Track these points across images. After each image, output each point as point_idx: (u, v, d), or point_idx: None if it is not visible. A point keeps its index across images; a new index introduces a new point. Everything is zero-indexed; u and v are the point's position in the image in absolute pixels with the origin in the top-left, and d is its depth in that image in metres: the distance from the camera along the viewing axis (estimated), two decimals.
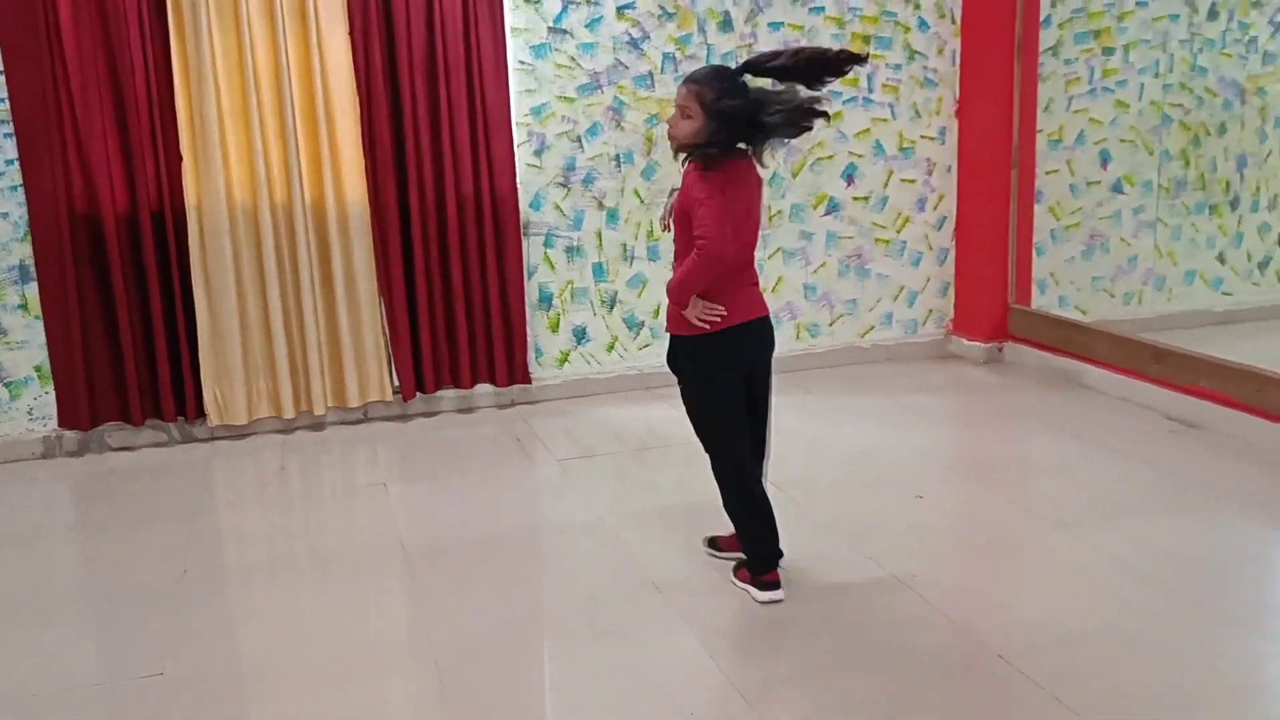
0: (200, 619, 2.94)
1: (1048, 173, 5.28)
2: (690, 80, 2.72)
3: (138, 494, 3.94)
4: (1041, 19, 5.08)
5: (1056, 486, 3.72)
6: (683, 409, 2.91)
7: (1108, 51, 5.25)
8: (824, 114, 2.70)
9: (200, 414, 4.40)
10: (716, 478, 2.91)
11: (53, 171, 4.08)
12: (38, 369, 4.28)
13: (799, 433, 4.14)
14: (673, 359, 2.89)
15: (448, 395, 4.71)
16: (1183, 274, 5.48)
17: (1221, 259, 5.53)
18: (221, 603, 3.05)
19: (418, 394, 4.63)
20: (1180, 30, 5.27)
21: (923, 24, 5.10)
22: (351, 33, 4.25)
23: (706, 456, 2.91)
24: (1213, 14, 5.25)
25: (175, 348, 4.33)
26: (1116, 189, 5.40)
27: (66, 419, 4.30)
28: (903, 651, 2.63)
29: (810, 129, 2.76)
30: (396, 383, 4.58)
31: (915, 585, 2.94)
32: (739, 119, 2.65)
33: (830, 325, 5.17)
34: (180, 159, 4.19)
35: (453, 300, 4.56)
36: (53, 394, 4.28)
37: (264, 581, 3.21)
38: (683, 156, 2.78)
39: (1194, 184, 5.47)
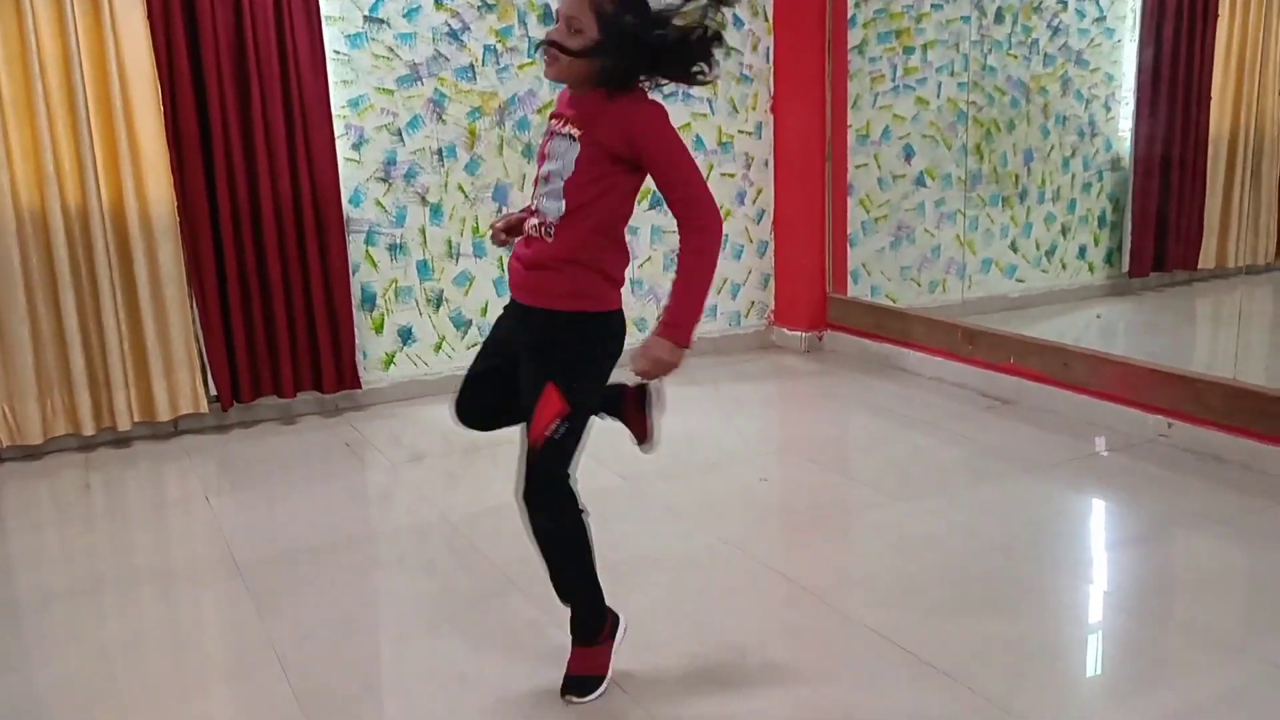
0: (34, 643, 2.66)
1: (857, 167, 5.50)
2: None
3: None
4: (849, 18, 5.28)
5: (885, 462, 3.86)
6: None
7: (908, 50, 5.51)
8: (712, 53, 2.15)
9: None
10: (553, 487, 2.20)
11: None
12: None
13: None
14: (550, 332, 2.18)
15: (268, 404, 4.46)
16: (980, 262, 5.81)
17: (1014, 247, 5.90)
18: (33, 628, 2.77)
19: (235, 404, 4.35)
20: (972, 31, 5.59)
21: (738, 21, 5.21)
22: (150, 14, 3.95)
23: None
24: (999, 17, 5.60)
25: None
26: (920, 182, 5.68)
27: None
28: (763, 619, 2.65)
29: (703, 75, 2.17)
30: (213, 392, 4.30)
31: (759, 557, 2.98)
32: (644, 45, 2.04)
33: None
34: None
35: (272, 303, 4.31)
36: None
37: (82, 601, 2.93)
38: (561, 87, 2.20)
39: (988, 177, 5.81)
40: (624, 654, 2.42)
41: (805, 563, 3.05)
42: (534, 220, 2.16)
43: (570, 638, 2.35)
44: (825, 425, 4.46)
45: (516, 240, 2.28)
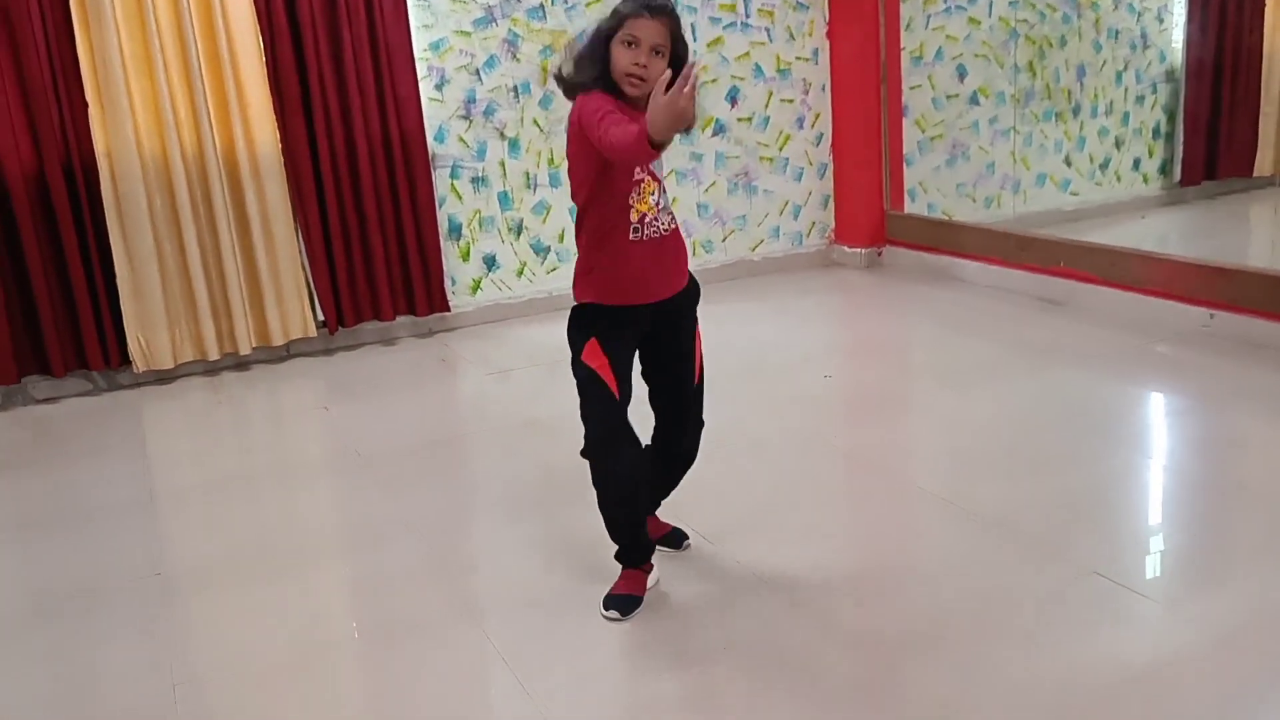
0: (177, 525, 3.11)
1: (912, 88, 5.70)
2: (666, 13, 2.26)
3: (78, 434, 4.02)
4: None
5: (940, 360, 4.16)
6: None
7: None
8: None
9: (124, 361, 4.46)
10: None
11: None
12: None
13: (706, 338, 4.47)
14: (695, 301, 2.55)
15: (369, 328, 4.87)
16: (1035, 177, 6.00)
17: (1068, 162, 6.07)
18: (200, 510, 3.22)
19: (340, 328, 4.77)
20: None
21: None
22: None
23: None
24: None
25: (95, 297, 4.36)
26: (973, 101, 5.87)
27: None
28: (836, 490, 2.99)
29: None
30: (321, 317, 4.72)
31: (823, 438, 3.31)
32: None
33: (723, 241, 5.50)
34: (85, 109, 4.20)
35: (368, 235, 4.70)
36: None
37: (236, 489, 3.37)
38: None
39: (1041, 94, 5.98)
40: (708, 513, 2.78)
41: (863, 441, 3.37)
42: (664, 218, 2.36)
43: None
44: (884, 331, 4.76)
45: (637, 246, 2.35)
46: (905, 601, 2.43)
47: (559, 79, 2.36)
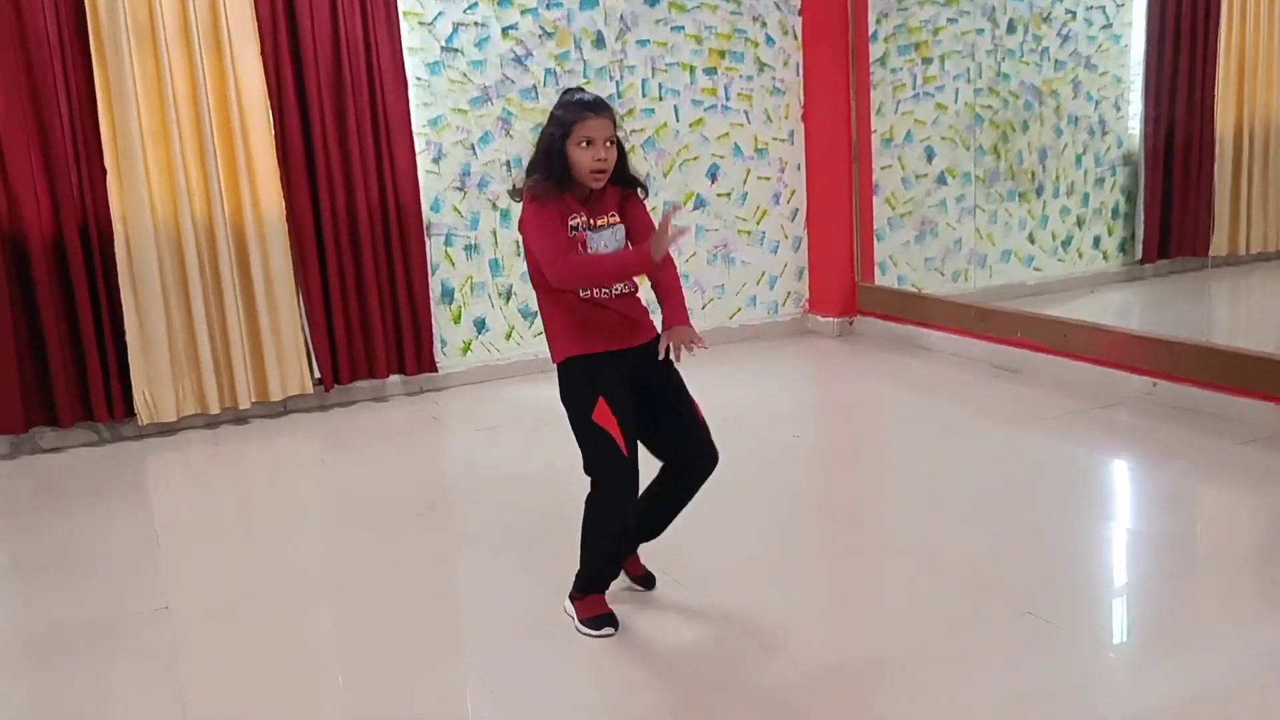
0: (189, 565, 3.32)
1: (883, 168, 6.05)
2: (608, 107, 2.59)
3: (84, 482, 4.22)
4: (870, 34, 5.84)
5: (900, 420, 4.43)
6: None
7: (926, 61, 6.06)
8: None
9: (129, 414, 4.68)
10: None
11: None
12: None
13: None
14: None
15: (363, 385, 5.11)
16: (1000, 253, 6.33)
17: (1031, 239, 6.40)
18: (204, 551, 3.43)
19: (335, 385, 5.02)
20: (986, 42, 6.12)
21: (769, 40, 5.81)
22: (263, 53, 4.64)
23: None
24: (1011, 28, 6.13)
25: (103, 352, 4.60)
26: (941, 180, 6.21)
27: None
28: (798, 538, 3.22)
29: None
30: (317, 374, 4.97)
31: (788, 488, 3.56)
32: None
33: (702, 309, 5.79)
34: (104, 175, 4.49)
35: (366, 298, 4.98)
36: None
37: (236, 532, 3.59)
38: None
39: (1005, 175, 6.33)
40: (684, 555, 3.01)
41: (827, 491, 3.62)
42: (619, 286, 2.64)
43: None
44: (852, 395, 5.03)
45: (597, 304, 2.64)
46: (866, 636, 2.65)
47: (514, 192, 2.68)
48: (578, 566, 2.76)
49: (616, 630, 2.69)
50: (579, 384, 2.65)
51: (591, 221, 2.61)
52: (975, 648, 2.55)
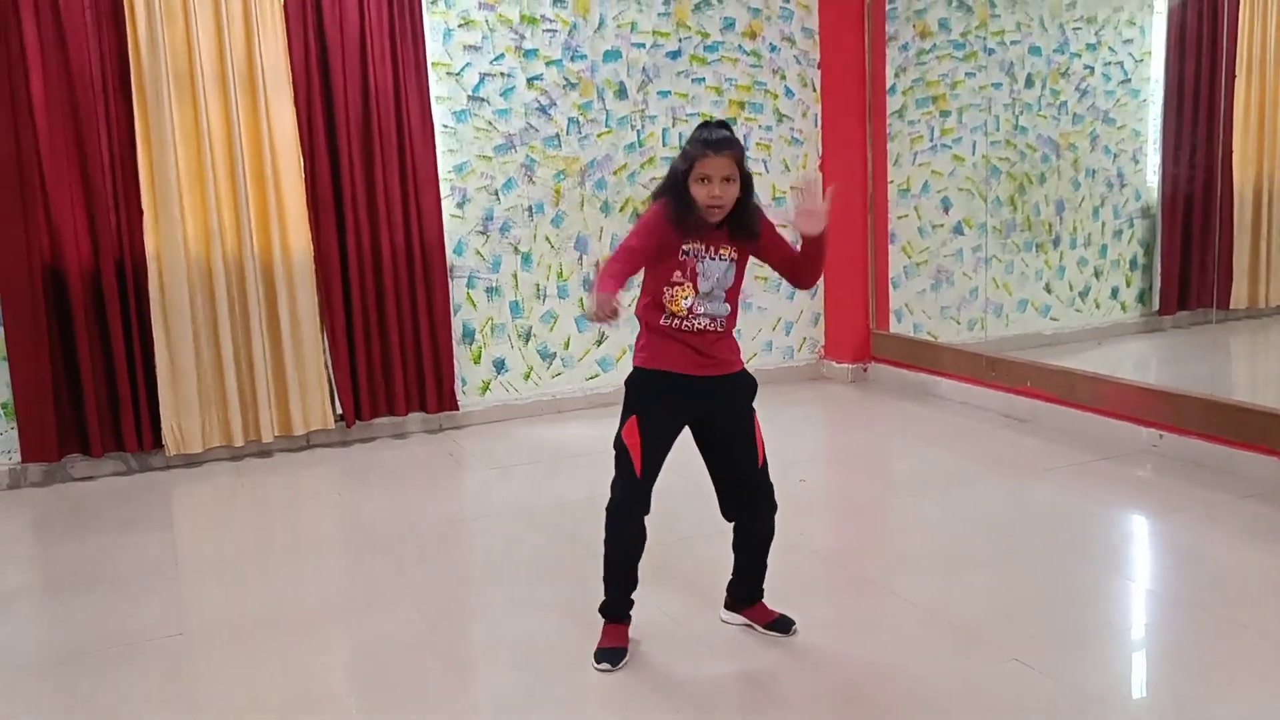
0: (207, 591, 3.44)
1: (899, 217, 6.15)
2: (731, 146, 2.64)
3: (112, 509, 4.37)
4: (888, 87, 5.97)
5: (905, 468, 4.50)
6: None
7: (944, 114, 6.17)
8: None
9: (157, 445, 4.84)
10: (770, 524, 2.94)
11: (24, 227, 4.51)
12: (3, 406, 4.67)
13: None
14: (750, 387, 2.86)
15: (383, 422, 5.25)
16: (1017, 303, 6.39)
17: (1048, 289, 6.47)
18: (221, 577, 3.55)
19: (356, 421, 5.15)
20: (1004, 96, 6.23)
21: (789, 92, 5.94)
22: (296, 101, 4.83)
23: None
24: (1029, 82, 6.23)
25: (134, 385, 4.77)
26: (957, 231, 6.30)
27: (31, 452, 4.68)
28: (795, 583, 3.29)
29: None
30: (339, 410, 5.11)
31: (790, 535, 3.62)
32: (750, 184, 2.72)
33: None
34: (141, 215, 4.67)
35: (388, 336, 5.12)
36: (16, 430, 4.67)
37: (253, 559, 3.72)
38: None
39: (1021, 225, 6.41)
40: (682, 598, 3.09)
41: (828, 538, 3.69)
42: (701, 321, 2.72)
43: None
44: (862, 441, 5.10)
45: (673, 332, 2.74)
46: (856, 684, 2.72)
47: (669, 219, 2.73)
48: (584, 594, 2.87)
49: (614, 668, 2.77)
50: (626, 396, 2.81)
51: (712, 251, 2.72)
52: (964, 699, 2.61)
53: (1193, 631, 2.90)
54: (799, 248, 2.80)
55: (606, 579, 2.87)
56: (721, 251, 2.73)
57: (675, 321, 2.73)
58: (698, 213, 2.65)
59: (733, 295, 2.78)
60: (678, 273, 2.70)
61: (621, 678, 2.74)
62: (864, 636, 2.99)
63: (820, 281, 6.16)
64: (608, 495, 2.81)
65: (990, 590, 3.18)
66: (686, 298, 2.71)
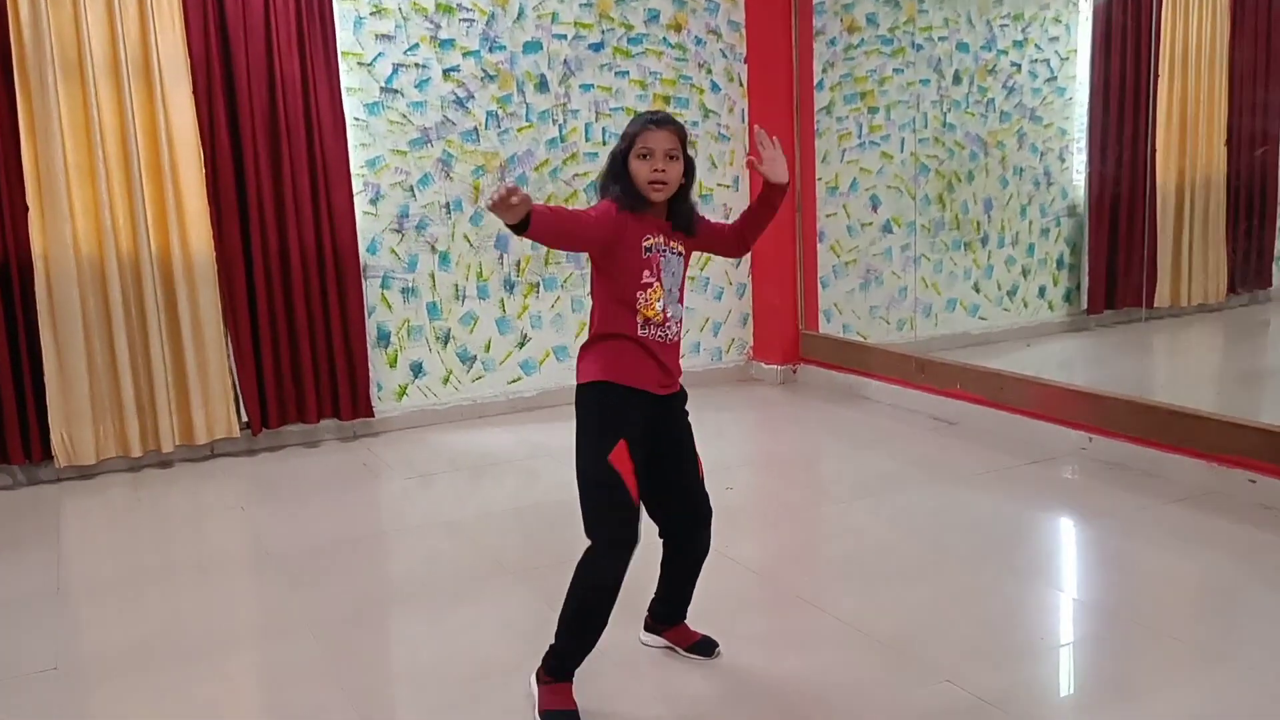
0: (90, 619, 3.19)
1: (828, 216, 6.05)
2: (671, 122, 2.50)
3: None
4: (815, 83, 5.86)
5: (832, 474, 4.38)
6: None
7: (872, 110, 6.09)
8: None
9: (46, 456, 4.54)
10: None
11: None
12: None
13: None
14: (682, 403, 2.66)
15: (293, 430, 5.00)
16: (945, 302, 6.33)
17: (976, 288, 6.42)
18: (104, 603, 3.30)
19: (264, 429, 4.90)
20: (931, 93, 6.16)
21: (715, 86, 5.80)
22: (195, 92, 4.56)
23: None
24: (957, 79, 6.17)
25: (20, 392, 4.47)
26: (886, 229, 6.22)
27: None
28: (720, 598, 3.14)
29: None
30: (244, 418, 4.85)
31: (726, 551, 3.48)
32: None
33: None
34: (26, 211, 4.37)
35: (297, 340, 4.87)
36: None
37: (143, 583, 3.46)
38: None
39: (950, 224, 6.35)
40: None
41: (753, 549, 3.54)
42: (672, 329, 2.52)
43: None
44: (790, 446, 4.98)
45: (648, 344, 2.51)
46: (781, 703, 2.58)
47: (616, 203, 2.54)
48: (497, 619, 2.65)
49: None
50: (601, 414, 2.49)
51: (668, 241, 2.52)
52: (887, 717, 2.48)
53: (1119, 642, 2.81)
54: (756, 202, 2.62)
55: (574, 630, 2.50)
56: (673, 244, 2.54)
57: (652, 330, 2.49)
58: (641, 193, 2.47)
59: (683, 294, 2.60)
60: (646, 272, 2.47)
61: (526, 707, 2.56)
62: (790, 655, 2.85)
63: (748, 281, 6.04)
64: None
65: (919, 603, 3.06)
66: (659, 299, 2.48)
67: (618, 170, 2.49)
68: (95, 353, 4.55)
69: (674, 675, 2.73)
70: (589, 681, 2.58)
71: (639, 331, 2.48)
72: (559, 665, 2.53)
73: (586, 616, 2.50)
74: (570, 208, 2.53)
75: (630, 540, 2.50)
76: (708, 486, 2.74)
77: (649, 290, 2.48)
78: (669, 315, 2.51)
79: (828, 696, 2.59)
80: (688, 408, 2.67)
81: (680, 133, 2.49)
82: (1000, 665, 2.71)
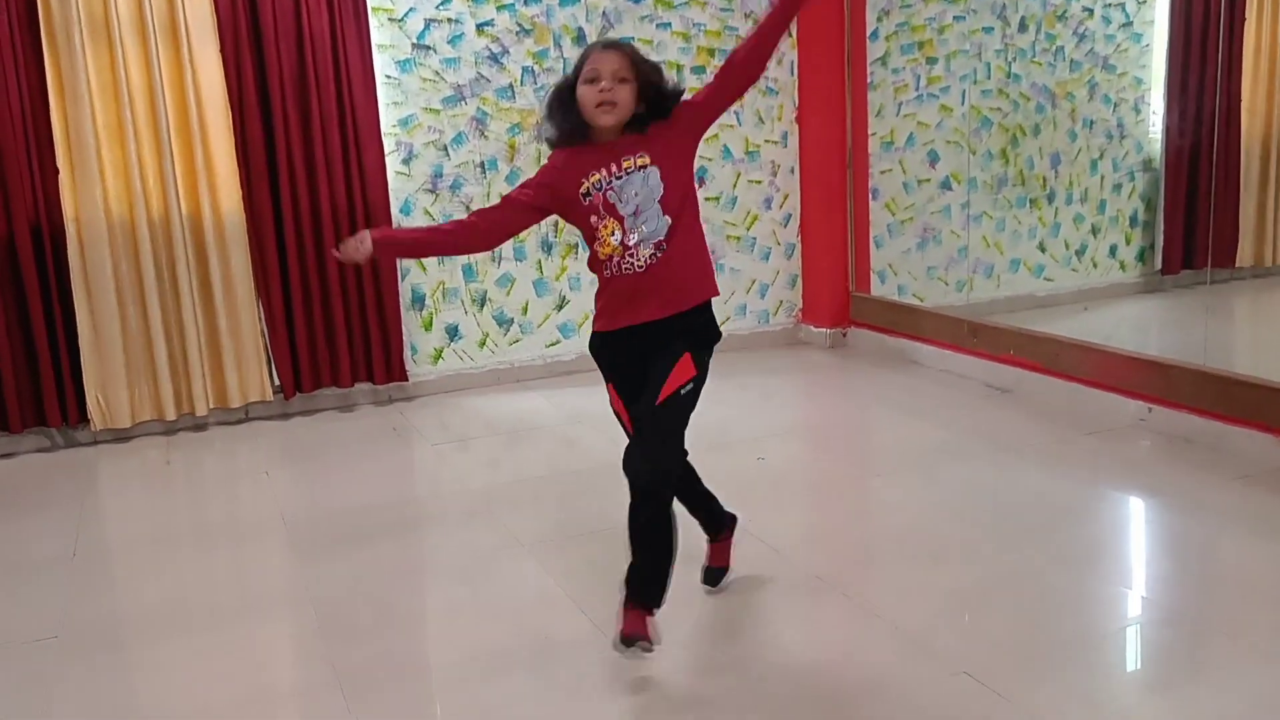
0: (100, 586, 3.16)
1: (882, 172, 5.78)
2: (618, 45, 2.45)
3: (27, 488, 4.10)
4: (869, 33, 5.58)
5: (875, 444, 4.18)
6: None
7: (931, 61, 5.78)
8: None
9: (83, 419, 4.56)
10: (675, 440, 2.52)
11: None
12: None
13: None
14: (695, 319, 2.53)
15: (327, 393, 4.95)
16: (1008, 262, 6.03)
17: (1042, 248, 6.10)
18: (114, 570, 3.27)
19: (297, 393, 4.85)
20: (995, 41, 5.83)
21: None
22: (223, 50, 4.48)
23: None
24: (1023, 26, 5.83)
25: (56, 356, 4.48)
26: (945, 186, 5.93)
27: None
28: (733, 575, 2.99)
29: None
30: (277, 382, 4.81)
31: (749, 527, 3.32)
32: (660, 89, 2.47)
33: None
34: (56, 174, 4.35)
35: (330, 303, 4.81)
36: None
37: (152, 549, 3.44)
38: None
39: (1014, 180, 6.03)
40: (605, 589, 2.80)
41: (779, 525, 3.37)
42: (642, 253, 2.42)
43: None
44: (834, 414, 4.78)
45: (620, 281, 2.48)
46: (784, 691, 2.43)
47: (549, 143, 2.57)
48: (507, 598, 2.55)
49: (646, 649, 2.40)
50: (598, 363, 2.63)
51: (615, 169, 2.42)
52: (901, 713, 2.31)
53: (1165, 639, 2.59)
54: (771, 12, 2.60)
55: (636, 558, 2.46)
56: (626, 165, 2.42)
57: (616, 265, 2.47)
58: (583, 120, 2.41)
59: (671, 202, 2.43)
60: (593, 216, 2.47)
61: (543, 687, 2.45)
62: (795, 642, 2.69)
63: (796, 241, 5.82)
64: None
65: (949, 588, 2.87)
66: (614, 234, 2.45)
67: (565, 100, 2.44)
68: (129, 316, 4.54)
69: (663, 661, 2.59)
70: (584, 662, 2.46)
71: (605, 272, 2.50)
72: (636, 592, 2.48)
73: (634, 545, 2.48)
74: (490, 205, 2.62)
75: (632, 475, 2.47)
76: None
77: (601, 229, 2.47)
78: (631, 242, 2.44)
79: (828, 685, 2.42)
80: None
81: (632, 56, 2.43)
82: (1028, 661, 2.51)
